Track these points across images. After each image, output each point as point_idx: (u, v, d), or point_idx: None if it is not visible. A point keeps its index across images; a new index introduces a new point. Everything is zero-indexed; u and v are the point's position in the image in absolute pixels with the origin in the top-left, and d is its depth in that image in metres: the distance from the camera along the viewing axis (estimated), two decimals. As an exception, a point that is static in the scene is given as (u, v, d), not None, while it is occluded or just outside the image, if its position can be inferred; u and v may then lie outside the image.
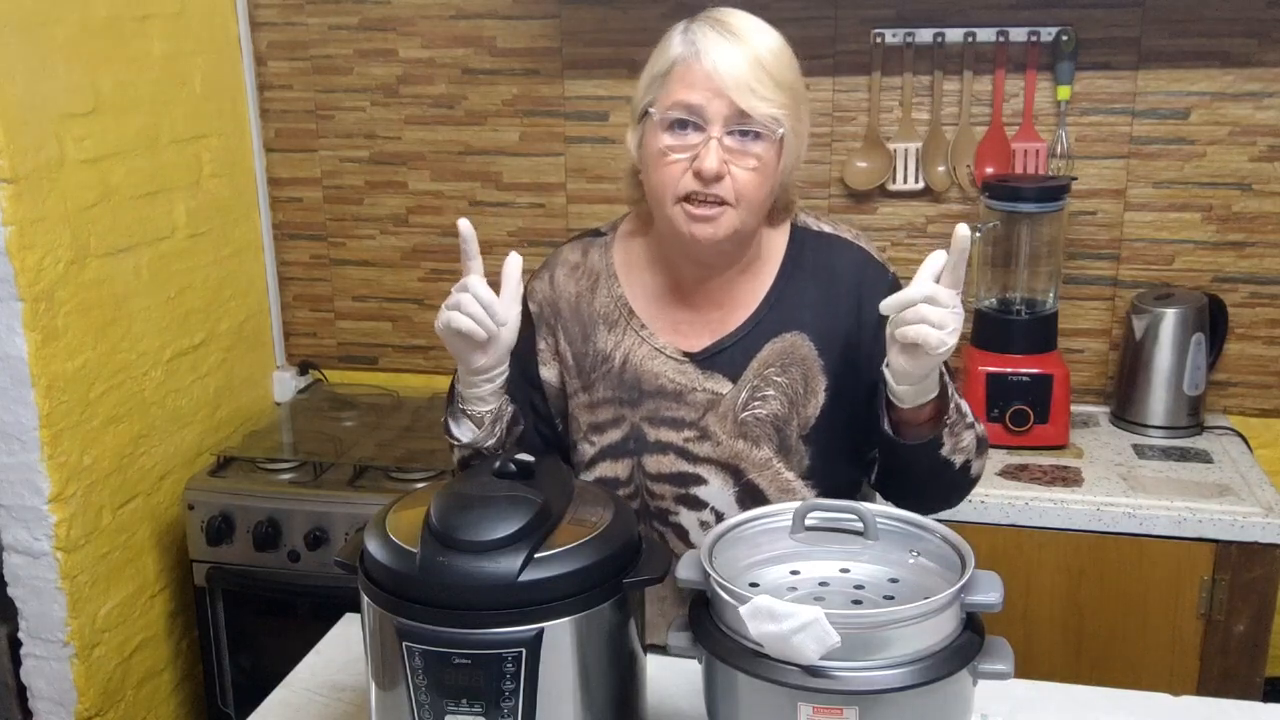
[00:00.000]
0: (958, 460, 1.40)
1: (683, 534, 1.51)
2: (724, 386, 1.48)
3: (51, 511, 2.17)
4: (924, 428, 1.36)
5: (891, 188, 2.51)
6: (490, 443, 1.46)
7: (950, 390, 1.36)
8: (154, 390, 2.43)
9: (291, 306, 2.91)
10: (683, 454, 1.49)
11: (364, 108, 2.74)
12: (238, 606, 2.43)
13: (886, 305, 1.27)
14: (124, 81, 2.31)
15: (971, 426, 1.42)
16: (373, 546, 1.17)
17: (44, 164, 2.11)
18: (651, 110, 1.40)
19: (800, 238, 1.52)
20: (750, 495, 1.48)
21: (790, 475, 1.48)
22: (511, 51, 2.64)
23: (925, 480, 1.42)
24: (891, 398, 1.34)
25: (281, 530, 2.36)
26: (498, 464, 1.22)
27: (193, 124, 2.54)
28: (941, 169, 2.49)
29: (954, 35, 2.40)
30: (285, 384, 2.88)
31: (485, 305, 1.34)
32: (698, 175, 1.36)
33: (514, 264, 1.38)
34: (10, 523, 2.20)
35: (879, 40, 2.44)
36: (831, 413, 1.48)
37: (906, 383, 1.31)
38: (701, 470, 1.49)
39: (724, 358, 1.49)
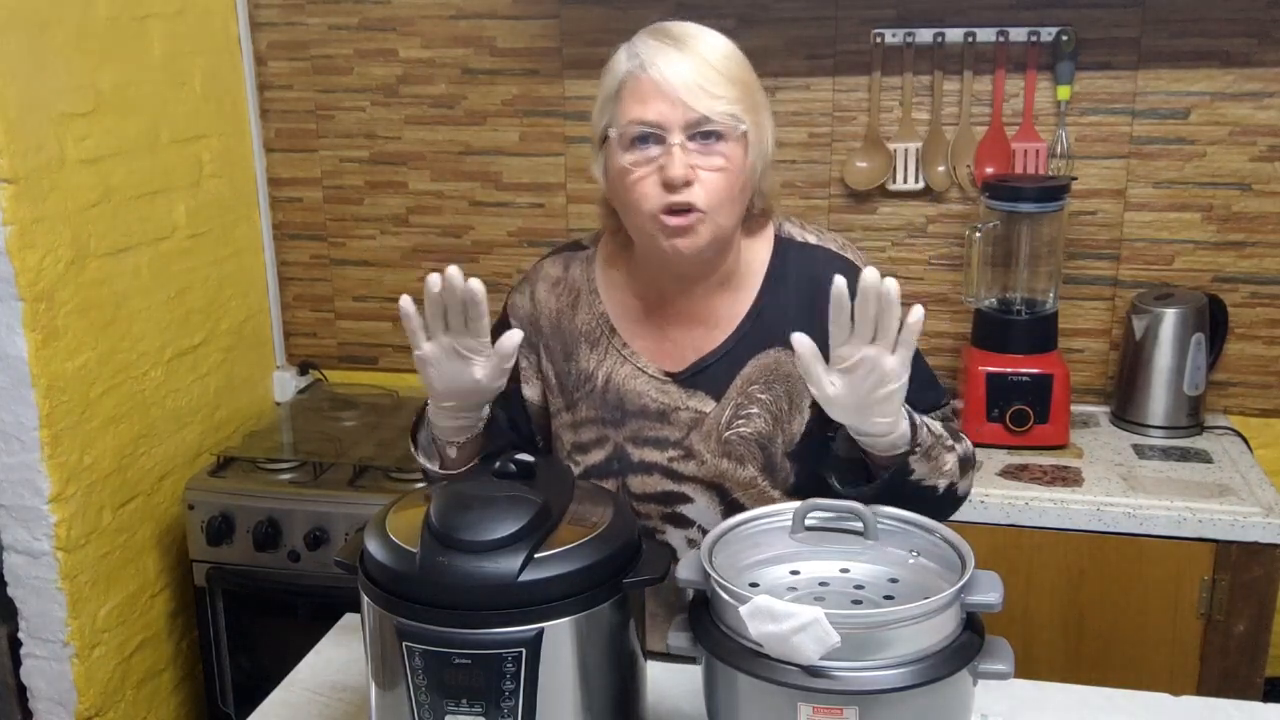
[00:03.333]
0: (941, 484, 1.38)
1: (670, 552, 1.49)
2: (707, 405, 1.46)
3: (51, 511, 2.17)
4: (887, 459, 1.34)
5: (891, 188, 2.51)
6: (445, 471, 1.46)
7: (918, 420, 1.33)
8: (154, 390, 2.43)
9: (291, 306, 2.91)
10: (667, 473, 1.48)
11: (364, 108, 2.74)
12: (238, 606, 2.43)
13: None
14: (124, 81, 2.31)
15: (953, 448, 1.40)
16: (373, 546, 1.17)
17: (44, 164, 2.11)
18: (610, 132, 1.38)
19: (783, 249, 1.49)
20: (735, 513, 1.46)
21: (776, 494, 1.47)
22: (511, 51, 2.64)
23: (905, 507, 1.37)
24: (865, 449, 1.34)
25: (281, 530, 2.36)
26: (498, 464, 1.22)
27: (193, 124, 2.54)
28: (941, 169, 2.49)
29: (954, 35, 2.40)
30: (285, 384, 2.88)
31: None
32: (666, 186, 1.34)
33: (513, 340, 1.34)
34: (10, 523, 2.20)
35: (879, 40, 2.44)
36: (817, 429, 1.45)
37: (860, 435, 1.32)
38: (686, 489, 1.48)
39: (706, 376, 1.47)
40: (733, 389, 1.46)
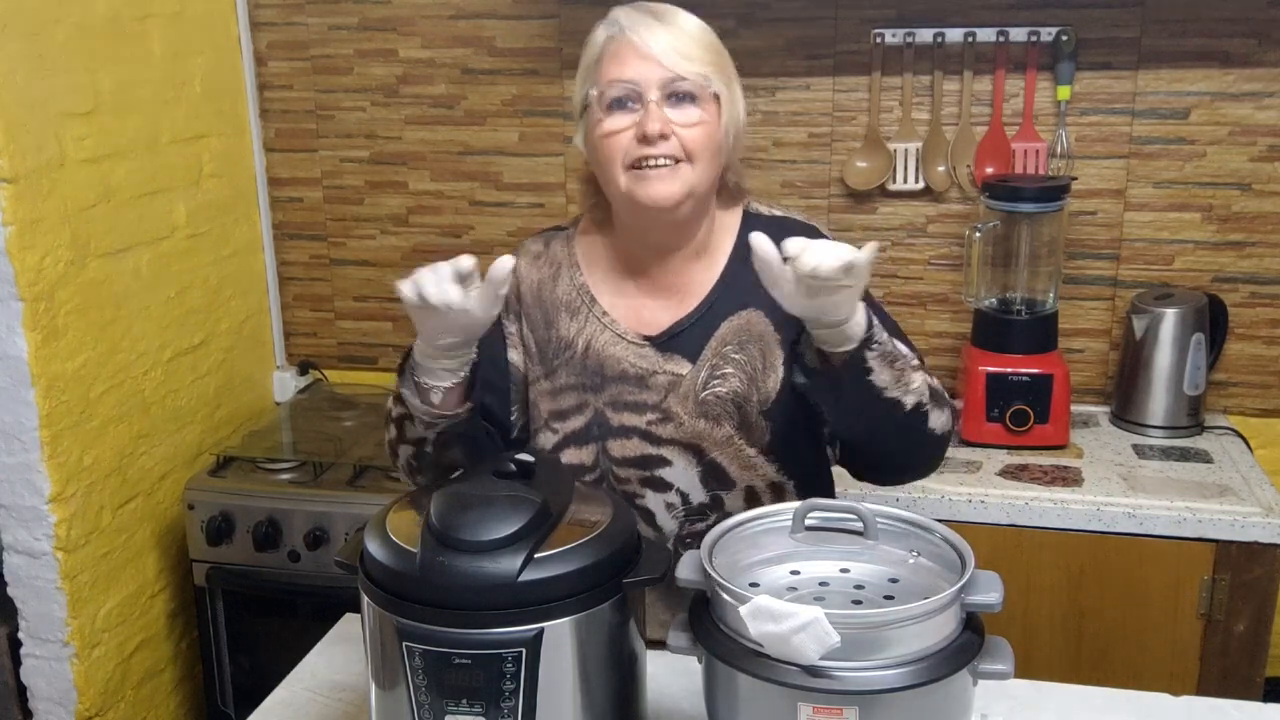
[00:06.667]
0: (908, 401, 1.36)
1: (649, 516, 1.51)
2: (683, 367, 1.50)
3: (51, 511, 2.17)
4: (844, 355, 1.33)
5: (891, 188, 2.51)
6: (426, 420, 1.42)
7: (876, 322, 1.33)
8: (154, 390, 2.43)
9: (291, 306, 2.91)
10: (646, 437, 1.50)
11: (364, 108, 2.74)
12: (238, 606, 2.43)
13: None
14: (124, 81, 2.31)
15: (920, 369, 1.41)
16: (373, 546, 1.17)
17: (44, 164, 2.11)
18: (590, 93, 1.45)
19: (751, 223, 1.54)
20: (713, 473, 1.49)
21: (752, 451, 1.49)
22: (511, 51, 2.64)
23: (879, 430, 1.39)
24: (821, 346, 1.33)
25: (281, 530, 2.36)
26: (498, 464, 1.22)
27: (193, 124, 2.54)
28: (941, 169, 2.49)
29: (954, 35, 2.40)
30: (285, 384, 2.88)
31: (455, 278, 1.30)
32: (643, 140, 1.40)
33: (504, 266, 1.31)
34: (10, 523, 2.20)
35: (879, 40, 2.44)
36: (790, 386, 1.49)
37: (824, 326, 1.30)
38: (665, 452, 1.50)
39: (682, 339, 1.51)
40: (708, 350, 1.50)
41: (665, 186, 1.42)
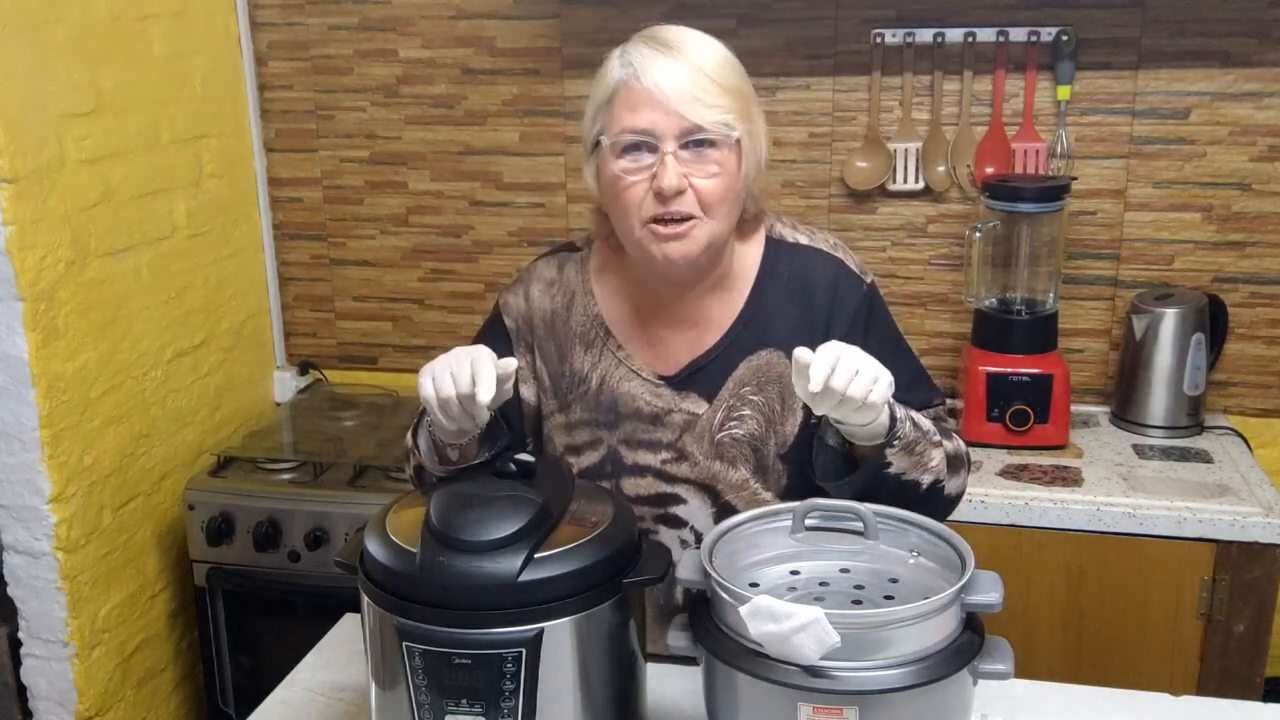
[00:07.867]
0: (925, 480, 1.38)
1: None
2: (700, 407, 1.47)
3: (51, 511, 2.17)
4: (867, 449, 1.36)
5: (892, 188, 2.51)
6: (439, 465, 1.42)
7: (900, 415, 1.34)
8: (154, 390, 2.43)
9: (291, 306, 2.91)
10: (660, 475, 1.48)
11: (364, 108, 2.74)
12: (238, 606, 2.43)
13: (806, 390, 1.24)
14: (124, 81, 2.31)
15: (940, 445, 1.40)
16: (373, 546, 1.17)
17: (44, 164, 2.11)
18: (602, 139, 1.38)
19: (774, 251, 1.50)
20: (727, 515, 1.45)
21: (768, 496, 1.47)
22: (511, 51, 2.64)
23: (888, 501, 1.37)
24: (843, 434, 1.35)
25: (281, 530, 2.36)
26: (498, 464, 1.23)
27: (193, 124, 2.53)
28: (941, 169, 2.49)
29: (954, 35, 2.40)
30: (285, 384, 2.88)
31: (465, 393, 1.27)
32: (658, 195, 1.34)
33: (509, 366, 1.30)
34: (10, 523, 2.20)
35: (879, 40, 2.44)
36: (809, 430, 1.45)
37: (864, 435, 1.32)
38: (679, 490, 1.48)
39: (699, 378, 1.47)
40: (725, 391, 1.46)
41: (682, 247, 1.37)
